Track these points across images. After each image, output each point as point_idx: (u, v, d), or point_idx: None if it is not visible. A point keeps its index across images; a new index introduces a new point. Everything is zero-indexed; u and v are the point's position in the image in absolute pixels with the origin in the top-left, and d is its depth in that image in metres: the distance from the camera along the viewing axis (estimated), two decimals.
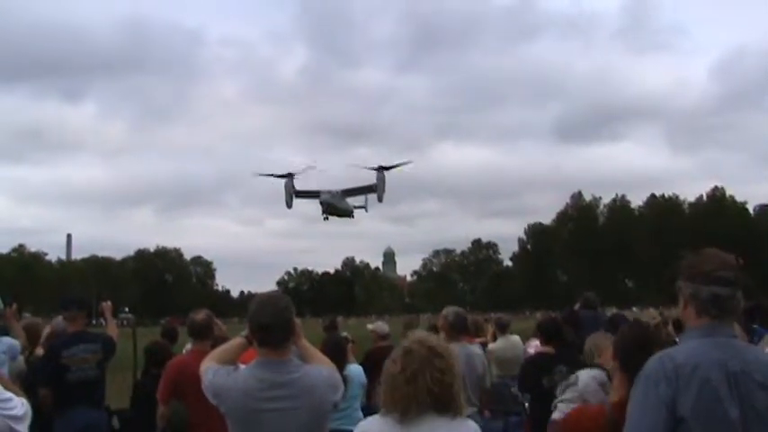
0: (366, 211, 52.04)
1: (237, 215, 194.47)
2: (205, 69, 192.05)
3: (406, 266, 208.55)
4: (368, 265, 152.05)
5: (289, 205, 46.05)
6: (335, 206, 47.27)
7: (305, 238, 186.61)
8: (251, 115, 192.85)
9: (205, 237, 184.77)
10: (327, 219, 47.79)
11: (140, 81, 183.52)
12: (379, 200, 45.81)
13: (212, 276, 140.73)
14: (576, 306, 9.65)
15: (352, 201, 49.42)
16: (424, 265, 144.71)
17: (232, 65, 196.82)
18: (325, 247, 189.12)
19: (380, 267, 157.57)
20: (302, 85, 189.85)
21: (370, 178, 44.79)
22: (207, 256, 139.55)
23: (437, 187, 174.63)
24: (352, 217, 50.20)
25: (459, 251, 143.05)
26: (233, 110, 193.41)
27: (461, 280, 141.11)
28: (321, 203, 46.51)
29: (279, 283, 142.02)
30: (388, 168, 44.14)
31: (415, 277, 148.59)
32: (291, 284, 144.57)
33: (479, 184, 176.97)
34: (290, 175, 45.11)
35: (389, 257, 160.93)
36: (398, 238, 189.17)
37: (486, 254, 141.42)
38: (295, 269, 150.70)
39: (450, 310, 6.73)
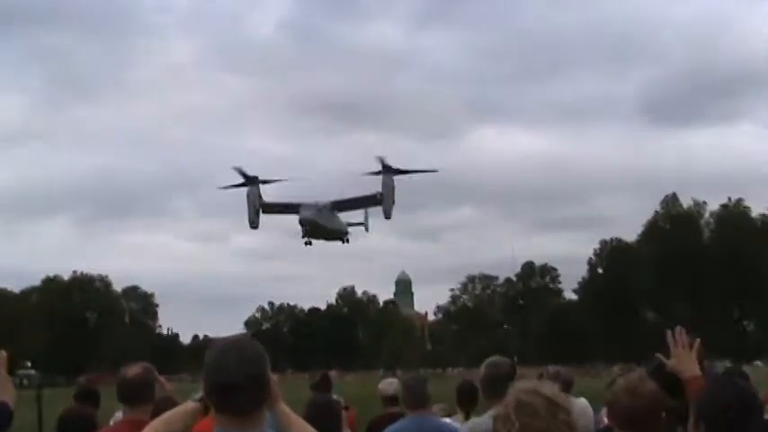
0: (366, 230, 53.46)
1: (190, 229, 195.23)
2: (147, 25, 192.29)
3: (428, 300, 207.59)
4: (374, 297, 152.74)
5: (253, 224, 46.35)
6: (322, 226, 47.11)
7: (284, 261, 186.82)
8: (212, 88, 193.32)
9: (144, 259, 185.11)
10: (311, 243, 47.99)
11: (51, 39, 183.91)
12: (386, 215, 45.59)
13: (153, 315, 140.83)
14: None
15: (346, 216, 49.59)
16: (454, 299, 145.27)
17: (185, 18, 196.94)
18: (314, 274, 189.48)
19: (392, 301, 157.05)
20: (284, 47, 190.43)
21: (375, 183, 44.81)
22: (146, 287, 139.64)
23: (472, 189, 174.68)
24: (346, 241, 50.71)
25: (502, 278, 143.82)
26: (186, 81, 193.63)
27: (505, 319, 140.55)
28: (301, 222, 46.23)
29: (248, 324, 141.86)
30: (397, 171, 43.65)
31: (439, 315, 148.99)
32: (266, 325, 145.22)
33: (532, 183, 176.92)
34: (254, 181, 45.29)
35: (404, 287, 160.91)
36: (417, 261, 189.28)
37: (540, 282, 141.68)
38: (271, 304, 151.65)
39: (487, 363, 6.67)
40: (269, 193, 46.56)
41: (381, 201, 44.96)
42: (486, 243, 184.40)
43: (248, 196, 45.60)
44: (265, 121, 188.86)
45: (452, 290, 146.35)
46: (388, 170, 44.00)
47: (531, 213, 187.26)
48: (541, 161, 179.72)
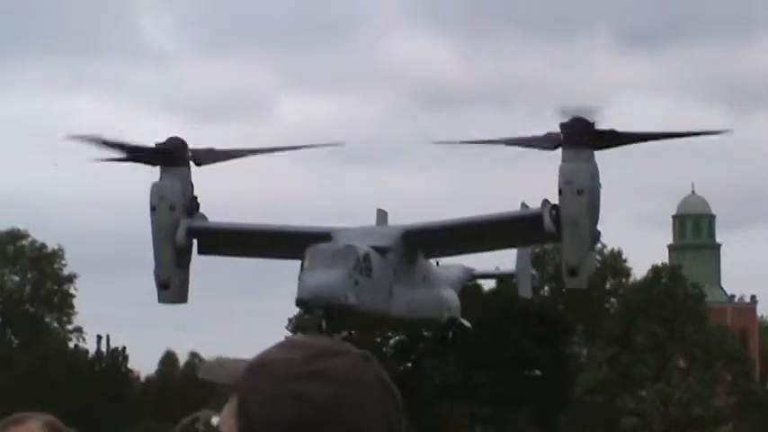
0: (525, 292, 41.40)
1: None
2: None
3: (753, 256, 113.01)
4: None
5: (165, 285, 31.18)
6: (365, 310, 30.34)
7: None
8: None
9: None
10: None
11: None
12: (570, 279, 31.23)
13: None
14: None
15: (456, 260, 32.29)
16: None
17: None
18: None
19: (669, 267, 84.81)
20: None
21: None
22: None
23: None
24: (447, 338, 36.57)
25: None
26: None
27: None
28: (301, 303, 32.21)
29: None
30: (610, 138, 27.17)
31: None
32: None
33: None
34: (173, 156, 28.41)
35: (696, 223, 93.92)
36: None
37: None
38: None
39: None
40: (214, 201, 27.85)
41: (558, 229, 24.53)
42: None
43: (153, 207, 27.03)
44: None
45: None
46: (579, 138, 23.55)
47: None
48: None
